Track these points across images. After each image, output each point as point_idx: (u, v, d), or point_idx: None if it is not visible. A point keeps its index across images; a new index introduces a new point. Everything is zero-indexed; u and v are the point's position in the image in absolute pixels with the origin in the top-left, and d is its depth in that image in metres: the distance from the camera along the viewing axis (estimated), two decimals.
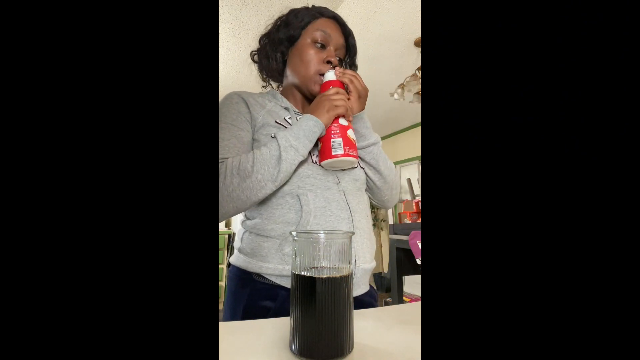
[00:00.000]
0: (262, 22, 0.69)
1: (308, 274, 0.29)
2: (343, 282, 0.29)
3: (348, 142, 0.54)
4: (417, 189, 3.30)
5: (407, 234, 1.54)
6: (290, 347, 0.29)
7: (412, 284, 1.47)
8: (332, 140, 0.54)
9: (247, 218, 0.58)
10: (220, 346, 0.29)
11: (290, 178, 0.53)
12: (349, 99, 0.58)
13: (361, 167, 0.62)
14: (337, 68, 0.59)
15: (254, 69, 0.71)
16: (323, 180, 0.55)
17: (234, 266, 0.57)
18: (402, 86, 2.16)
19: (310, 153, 0.56)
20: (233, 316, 0.52)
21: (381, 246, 4.16)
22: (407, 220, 1.90)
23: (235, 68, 2.39)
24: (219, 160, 0.51)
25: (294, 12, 0.64)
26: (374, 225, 3.95)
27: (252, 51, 0.69)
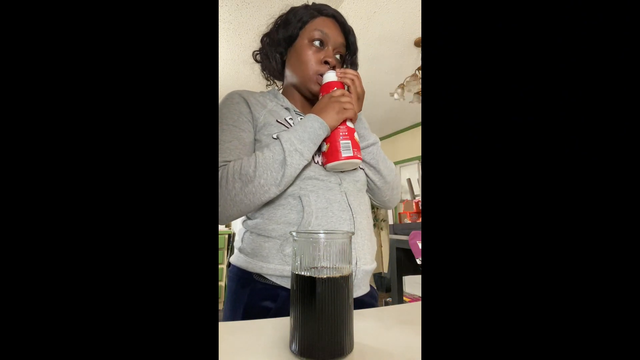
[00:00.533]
0: (262, 22, 0.69)
1: (308, 274, 0.29)
2: (343, 282, 0.29)
3: (355, 145, 0.54)
4: (417, 189, 3.30)
5: (407, 234, 1.54)
6: (290, 347, 0.29)
7: (412, 284, 1.47)
8: (341, 142, 0.53)
9: (248, 218, 0.58)
10: (220, 346, 0.29)
11: None
12: None
13: (361, 168, 0.62)
14: (338, 69, 0.59)
15: (254, 68, 0.71)
16: (325, 181, 0.55)
17: (234, 266, 0.57)
18: (402, 86, 2.16)
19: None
20: (233, 316, 0.52)
21: (381, 246, 4.16)
22: (407, 220, 1.90)
23: (235, 68, 2.39)
24: (222, 163, 0.51)
25: (293, 11, 0.64)
26: (374, 225, 3.95)
27: (254, 51, 0.69)
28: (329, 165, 0.54)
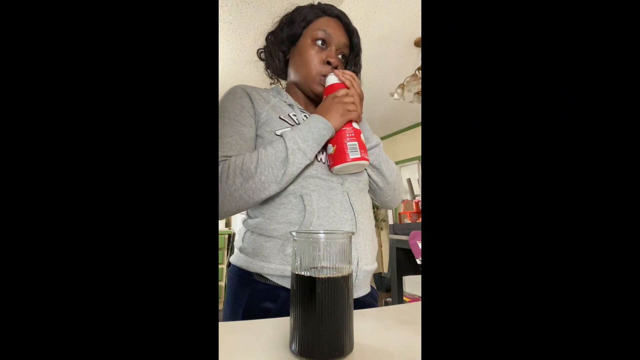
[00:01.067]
0: (262, 22, 0.69)
1: (308, 274, 0.29)
2: (343, 282, 0.29)
3: (362, 146, 0.54)
4: (417, 189, 3.30)
5: (407, 234, 1.54)
6: (290, 347, 0.29)
7: (412, 284, 1.47)
8: (348, 143, 0.53)
9: (249, 217, 0.58)
10: (220, 346, 0.29)
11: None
12: None
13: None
14: (336, 70, 0.59)
15: (254, 68, 0.71)
16: (327, 181, 0.54)
17: (234, 266, 0.57)
18: (402, 86, 2.16)
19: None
20: (233, 317, 0.52)
21: (381, 246, 4.16)
22: (407, 220, 1.90)
23: (235, 68, 2.39)
24: (222, 158, 0.51)
25: (298, 10, 0.64)
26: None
27: (259, 49, 0.68)
28: (337, 167, 0.53)
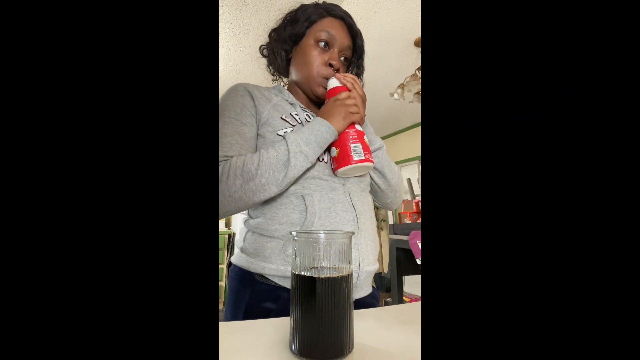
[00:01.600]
0: (262, 22, 0.69)
1: (308, 274, 0.29)
2: (343, 282, 0.29)
3: (366, 147, 0.54)
4: (417, 189, 3.30)
5: (407, 234, 1.54)
6: (290, 347, 0.29)
7: (412, 284, 1.48)
8: (351, 145, 0.53)
9: (250, 217, 0.58)
10: (220, 346, 0.29)
11: None
12: None
13: None
14: (337, 74, 0.59)
15: (255, 69, 0.71)
16: (329, 181, 0.54)
17: (235, 266, 0.57)
18: (402, 86, 2.16)
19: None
20: (234, 317, 0.52)
21: (381, 246, 4.16)
22: (407, 220, 1.90)
23: (235, 68, 2.39)
24: (222, 158, 0.51)
25: (302, 9, 0.63)
26: None
27: (262, 45, 0.68)
28: (341, 170, 0.53)
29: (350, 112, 0.54)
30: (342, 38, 0.61)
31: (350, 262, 0.30)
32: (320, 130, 0.51)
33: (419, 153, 3.72)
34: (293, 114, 0.58)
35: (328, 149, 0.56)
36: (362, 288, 0.54)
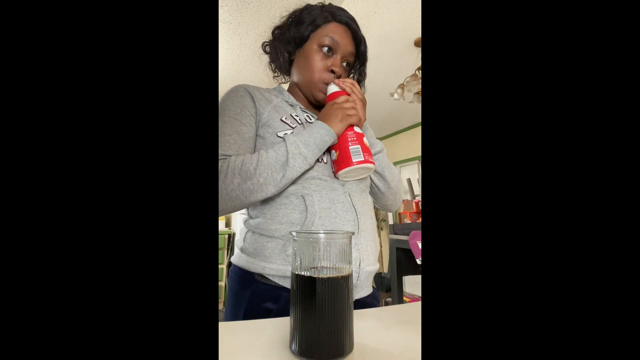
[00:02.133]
0: (262, 22, 0.69)
1: (308, 274, 0.29)
2: (343, 282, 0.29)
3: (366, 149, 0.54)
4: (417, 189, 3.30)
5: (407, 234, 1.54)
6: (290, 347, 0.29)
7: (412, 284, 1.47)
8: (350, 147, 0.53)
9: (250, 217, 0.58)
10: (220, 346, 0.29)
11: None
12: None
13: None
14: (336, 80, 0.59)
15: (255, 69, 0.71)
16: (329, 182, 0.54)
17: (235, 266, 0.57)
18: (402, 86, 2.16)
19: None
20: (234, 317, 0.52)
21: (381, 246, 4.16)
22: (407, 220, 1.90)
23: (236, 68, 2.39)
24: (220, 157, 0.51)
25: (308, 10, 0.62)
26: None
27: (264, 42, 0.68)
28: (341, 172, 0.53)
29: (348, 115, 0.54)
30: (345, 44, 0.61)
31: (350, 262, 0.30)
32: (319, 133, 0.51)
33: (419, 153, 3.72)
34: (293, 115, 0.58)
35: (328, 152, 0.56)
36: (363, 288, 0.54)
